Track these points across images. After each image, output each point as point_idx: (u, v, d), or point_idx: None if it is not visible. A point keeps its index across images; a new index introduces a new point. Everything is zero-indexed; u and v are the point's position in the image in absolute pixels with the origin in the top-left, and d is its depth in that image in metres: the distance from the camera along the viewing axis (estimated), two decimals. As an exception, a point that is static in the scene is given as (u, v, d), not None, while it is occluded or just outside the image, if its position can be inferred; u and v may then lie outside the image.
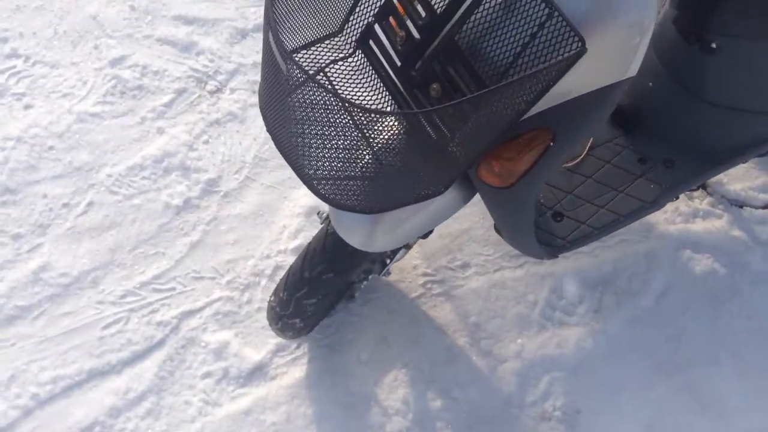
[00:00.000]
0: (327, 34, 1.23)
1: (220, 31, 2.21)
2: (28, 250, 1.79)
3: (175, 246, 1.83)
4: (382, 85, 1.17)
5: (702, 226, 1.97)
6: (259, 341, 1.72)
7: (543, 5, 0.98)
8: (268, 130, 1.16)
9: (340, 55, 1.24)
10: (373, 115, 1.03)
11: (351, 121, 1.04)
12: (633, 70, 1.11)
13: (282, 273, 1.80)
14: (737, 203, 2.05)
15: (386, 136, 1.14)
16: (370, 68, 1.20)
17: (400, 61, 1.13)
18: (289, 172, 1.96)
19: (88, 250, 1.81)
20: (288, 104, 1.05)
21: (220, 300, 1.77)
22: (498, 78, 1.04)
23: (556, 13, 0.97)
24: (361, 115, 1.03)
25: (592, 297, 1.83)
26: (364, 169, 1.11)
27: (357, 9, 1.20)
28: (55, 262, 1.78)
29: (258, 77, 2.12)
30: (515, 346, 1.75)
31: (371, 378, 1.69)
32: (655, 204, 1.63)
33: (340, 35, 1.23)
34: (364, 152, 1.09)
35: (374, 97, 1.23)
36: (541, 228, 1.55)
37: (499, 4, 1.05)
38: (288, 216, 1.89)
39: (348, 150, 1.07)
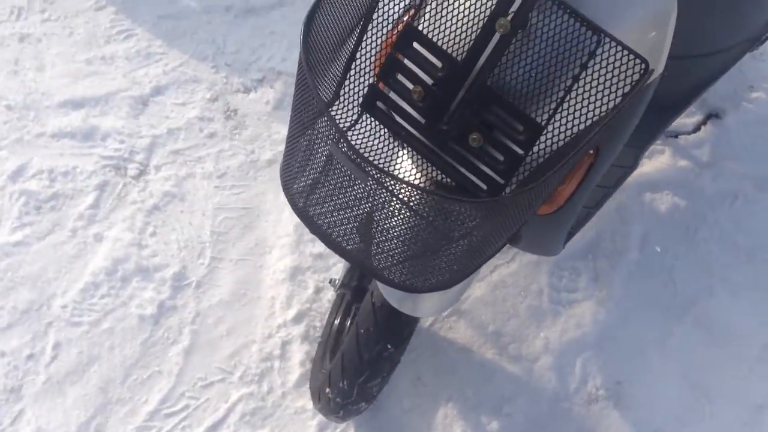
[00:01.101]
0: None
1: (117, 105, 1.99)
2: (11, 422, 1.57)
3: (169, 359, 1.67)
4: (406, 145, 1.06)
5: (651, 166, 2.05)
6: (298, 428, 1.62)
7: (590, 33, 0.93)
8: (302, 218, 1.06)
9: (346, 125, 1.14)
10: (453, 200, 0.96)
11: (424, 203, 0.97)
12: (662, 63, 1.09)
13: (291, 348, 1.70)
14: (671, 134, 2.14)
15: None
16: (384, 131, 1.11)
17: (423, 117, 1.03)
18: (254, 238, 1.83)
19: (77, 398, 1.61)
20: (347, 195, 0.98)
21: (241, 400, 1.64)
22: (550, 113, 0.98)
23: (607, 39, 0.92)
24: (436, 199, 0.96)
25: (586, 267, 1.87)
26: (439, 248, 1.04)
27: (351, 71, 1.10)
28: (45, 426, 1.57)
29: (178, 146, 1.94)
30: (539, 341, 1.76)
31: (423, 424, 1.65)
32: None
33: (337, 102, 1.13)
34: (439, 233, 1.02)
35: (401, 162, 1.15)
36: None
37: (534, 40, 0.99)
38: (272, 286, 1.77)
39: (422, 232, 0.99)
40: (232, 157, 1.94)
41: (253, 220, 1.86)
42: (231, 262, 1.80)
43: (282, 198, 1.88)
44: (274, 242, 1.83)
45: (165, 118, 1.99)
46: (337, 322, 1.62)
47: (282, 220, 1.85)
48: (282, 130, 2.00)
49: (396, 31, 1.17)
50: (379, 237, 1.04)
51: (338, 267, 1.78)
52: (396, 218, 0.98)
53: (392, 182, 0.92)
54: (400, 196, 0.96)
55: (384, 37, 1.11)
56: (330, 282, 1.51)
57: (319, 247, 1.80)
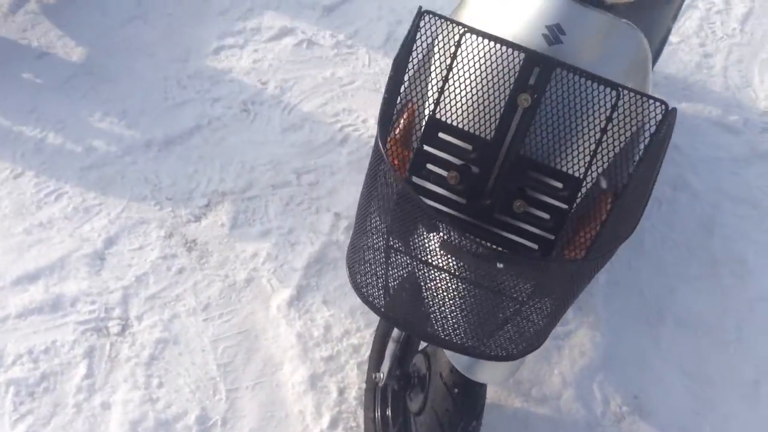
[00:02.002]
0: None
1: (74, 267, 1.92)
2: None
3: (222, 504, 1.63)
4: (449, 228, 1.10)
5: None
6: None
7: (609, 90, 1.06)
8: (389, 318, 1.13)
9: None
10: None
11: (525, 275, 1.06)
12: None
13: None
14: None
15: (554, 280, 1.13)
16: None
17: (464, 198, 1.12)
18: (260, 359, 1.83)
19: None
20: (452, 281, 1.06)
21: None
22: (586, 166, 1.09)
23: (624, 91, 1.06)
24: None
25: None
26: (531, 312, 1.12)
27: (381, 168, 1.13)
28: None
29: (151, 291, 1.91)
30: (556, 377, 1.90)
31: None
32: None
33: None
34: (536, 298, 1.11)
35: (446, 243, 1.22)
36: None
37: (557, 105, 1.10)
38: (296, 400, 1.78)
39: (518, 303, 1.09)
40: (209, 287, 1.94)
41: (253, 342, 1.86)
42: (248, 389, 1.79)
43: (273, 313, 1.91)
44: (281, 357, 1.84)
45: (128, 266, 1.95)
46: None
47: (280, 334, 1.88)
48: (246, 247, 2.03)
49: (398, 129, 1.29)
50: (479, 318, 1.13)
51: (352, 365, 1.83)
52: (494, 297, 1.08)
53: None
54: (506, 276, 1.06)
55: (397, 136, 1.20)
56: (374, 378, 1.56)
57: (327, 349, 1.85)
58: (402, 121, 1.35)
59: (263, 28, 2.68)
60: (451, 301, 1.10)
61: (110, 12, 2.62)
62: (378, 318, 1.89)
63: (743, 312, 2.06)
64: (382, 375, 1.55)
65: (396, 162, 1.38)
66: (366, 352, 1.85)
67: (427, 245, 1.10)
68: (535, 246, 1.16)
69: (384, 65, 2.63)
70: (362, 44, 2.71)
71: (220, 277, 1.96)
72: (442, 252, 1.09)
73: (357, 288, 1.16)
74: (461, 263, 1.07)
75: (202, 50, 2.55)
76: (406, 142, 1.32)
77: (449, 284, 1.10)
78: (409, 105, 1.35)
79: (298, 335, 1.86)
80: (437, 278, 1.10)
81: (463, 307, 1.10)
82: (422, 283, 1.12)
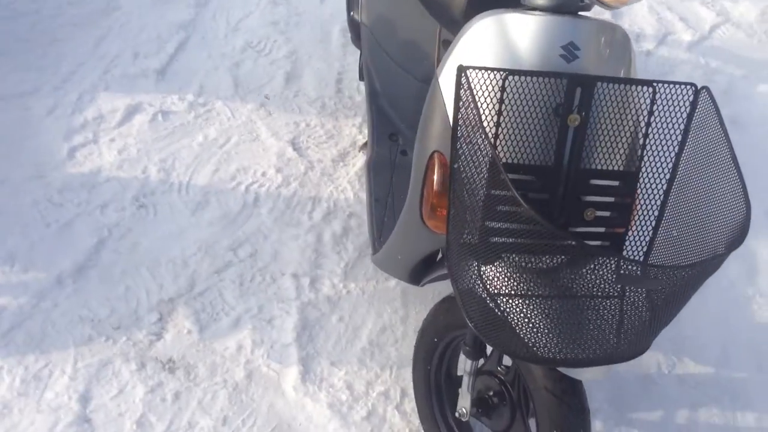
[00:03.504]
0: None
1: (64, 443, 1.68)
2: None
3: None
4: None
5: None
6: None
7: (646, 87, 1.19)
8: (551, 362, 1.18)
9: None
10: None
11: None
12: None
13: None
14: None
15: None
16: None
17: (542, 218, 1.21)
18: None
19: None
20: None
21: None
22: (639, 159, 1.21)
23: (659, 85, 1.19)
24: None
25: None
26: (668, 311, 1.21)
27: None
28: None
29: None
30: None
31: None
32: None
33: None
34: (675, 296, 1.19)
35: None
36: None
37: (603, 115, 1.20)
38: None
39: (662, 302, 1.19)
40: (215, 399, 1.81)
41: (289, 432, 1.79)
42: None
43: (292, 396, 1.84)
44: (323, 434, 1.79)
45: (120, 416, 1.74)
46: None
47: (311, 413, 1.81)
48: (226, 344, 1.91)
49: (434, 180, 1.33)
50: (610, 325, 1.21)
51: (391, 412, 1.83)
52: (642, 303, 1.17)
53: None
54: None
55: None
56: (458, 415, 1.57)
57: (362, 408, 1.83)
58: (434, 175, 1.38)
59: (106, 114, 2.46)
60: (591, 321, 1.17)
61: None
62: (404, 364, 1.91)
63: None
64: (464, 410, 1.58)
65: (437, 220, 1.41)
66: (395, 394, 1.86)
67: (566, 276, 1.16)
68: (608, 243, 1.28)
69: (247, 111, 2.56)
70: (214, 97, 2.60)
71: (219, 385, 1.84)
72: (576, 278, 1.15)
73: (509, 346, 1.18)
74: (597, 281, 1.15)
75: (54, 159, 2.29)
76: (444, 194, 1.36)
77: (587, 305, 1.17)
78: (437, 156, 1.38)
79: (330, 406, 1.82)
80: (576, 304, 1.17)
81: (598, 321, 1.18)
82: (564, 314, 1.18)
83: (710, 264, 1.09)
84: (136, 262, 2.05)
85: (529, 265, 1.20)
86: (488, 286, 1.21)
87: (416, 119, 2.04)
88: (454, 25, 1.76)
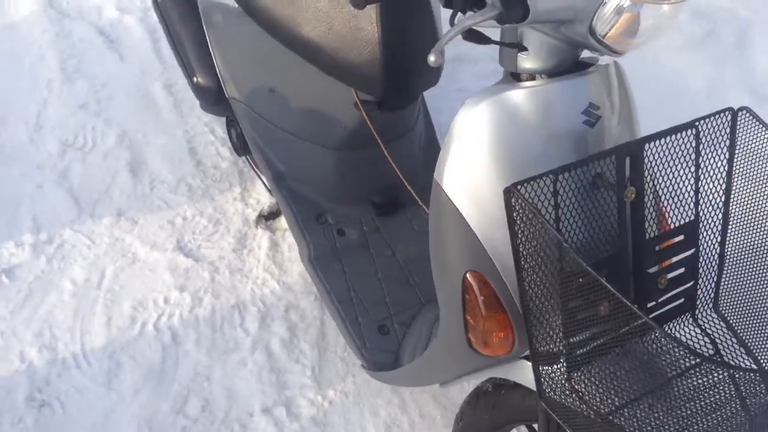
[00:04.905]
0: None
1: None
2: None
3: None
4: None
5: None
6: None
7: (690, 129, 1.06)
8: None
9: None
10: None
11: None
12: None
13: None
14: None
15: None
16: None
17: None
18: None
19: None
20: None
21: None
22: (695, 204, 1.10)
23: (698, 123, 1.06)
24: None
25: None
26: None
27: None
28: None
29: None
30: None
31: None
32: None
33: None
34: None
35: None
36: None
37: (655, 174, 1.08)
38: None
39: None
40: None
41: None
42: None
43: None
44: None
45: None
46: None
47: None
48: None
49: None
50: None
51: None
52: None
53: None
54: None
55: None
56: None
57: None
58: (476, 298, 1.15)
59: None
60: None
61: None
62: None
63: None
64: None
65: (494, 346, 1.19)
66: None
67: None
68: (681, 300, 1.16)
69: (106, 229, 2.12)
70: (58, 227, 2.12)
71: None
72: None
73: None
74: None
75: None
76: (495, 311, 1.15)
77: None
78: (471, 277, 1.15)
79: None
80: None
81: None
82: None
83: None
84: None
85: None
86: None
87: (343, 191, 1.77)
88: (370, 83, 1.51)
